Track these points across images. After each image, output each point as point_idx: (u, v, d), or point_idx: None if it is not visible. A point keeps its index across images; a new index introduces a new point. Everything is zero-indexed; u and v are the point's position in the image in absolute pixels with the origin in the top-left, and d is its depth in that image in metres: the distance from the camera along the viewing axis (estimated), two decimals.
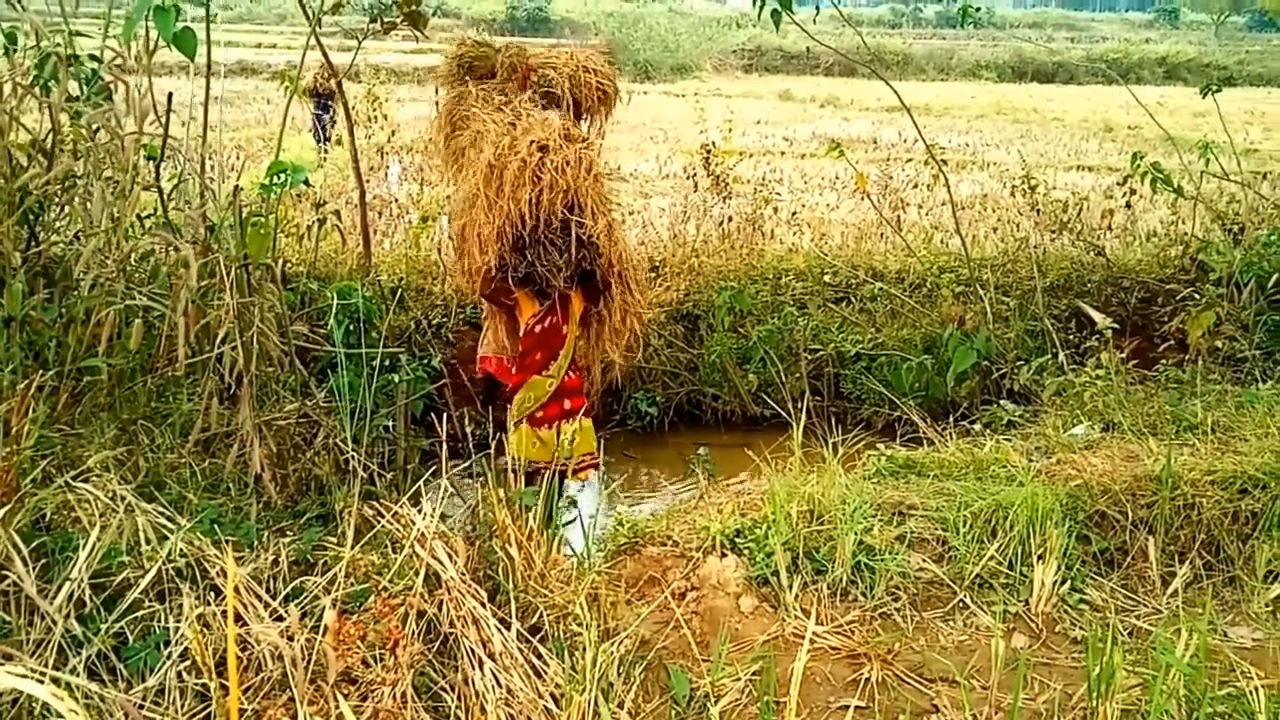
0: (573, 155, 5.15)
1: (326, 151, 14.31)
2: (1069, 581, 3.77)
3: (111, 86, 4.60)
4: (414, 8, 6.73)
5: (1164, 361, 6.51)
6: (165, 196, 4.89)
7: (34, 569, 2.70)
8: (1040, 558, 3.74)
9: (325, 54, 7.89)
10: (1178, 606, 3.73)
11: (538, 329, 5.52)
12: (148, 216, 5.09)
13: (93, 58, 4.67)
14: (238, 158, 12.55)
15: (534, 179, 5.11)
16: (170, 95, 4.83)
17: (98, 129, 4.41)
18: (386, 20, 6.96)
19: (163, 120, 4.69)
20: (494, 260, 5.29)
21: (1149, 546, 3.95)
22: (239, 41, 34.88)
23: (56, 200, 4.64)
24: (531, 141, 5.15)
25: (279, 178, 5.04)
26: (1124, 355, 6.25)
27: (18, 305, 3.94)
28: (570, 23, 48.51)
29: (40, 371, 3.65)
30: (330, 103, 14.49)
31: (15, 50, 4.51)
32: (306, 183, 5.14)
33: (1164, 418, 5.15)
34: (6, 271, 4.05)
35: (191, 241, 4.39)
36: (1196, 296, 7.05)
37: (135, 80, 4.46)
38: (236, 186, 4.68)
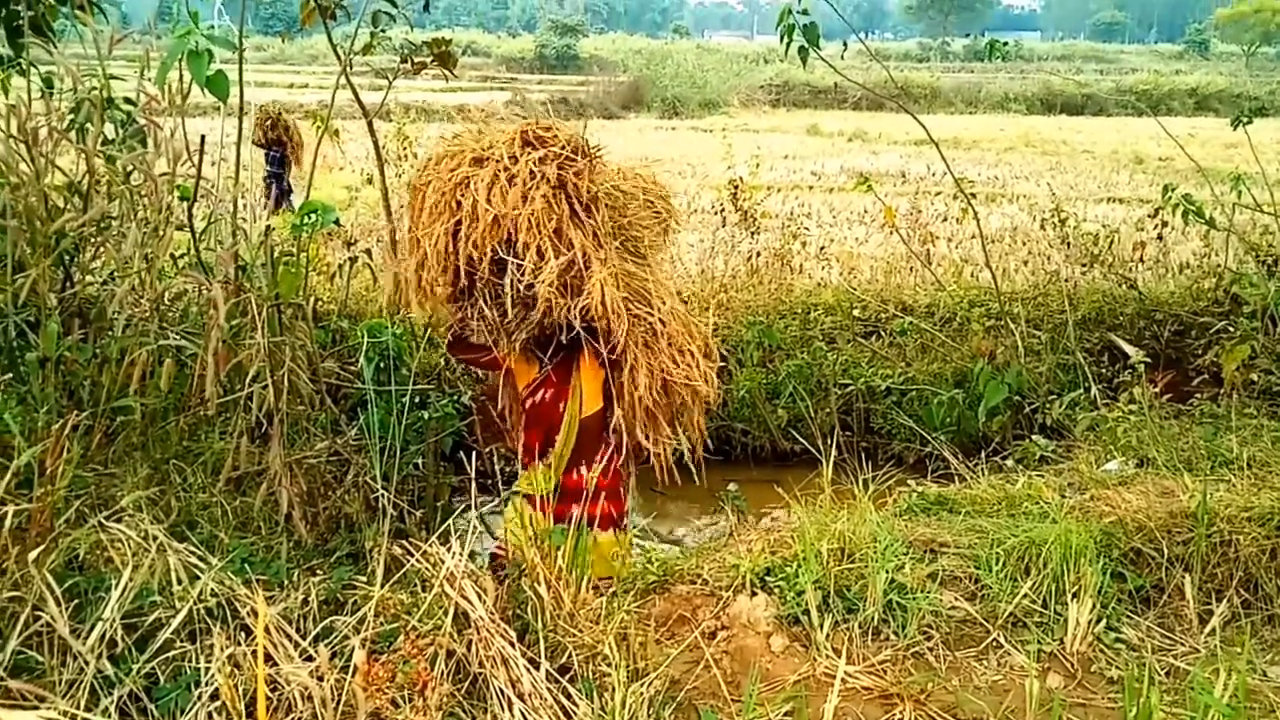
0: (520, 170, 3.99)
1: (289, 209, 11.70)
2: (1104, 620, 3.72)
3: (146, 129, 4.67)
4: (444, 48, 6.80)
5: (1198, 396, 6.45)
6: (198, 236, 4.95)
7: (67, 609, 2.72)
8: (1075, 596, 3.70)
9: (356, 93, 7.98)
10: (1216, 645, 3.67)
11: (528, 403, 4.50)
12: (181, 256, 5.15)
13: (127, 101, 4.74)
14: (270, 197, 12.67)
15: (452, 206, 4.03)
16: (203, 138, 4.89)
17: (132, 171, 4.47)
18: (417, 60, 7.03)
19: (195, 162, 4.75)
20: (432, 313, 4.39)
21: (1185, 584, 3.90)
22: (271, 82, 35.36)
23: (91, 241, 4.70)
24: (471, 156, 4.12)
25: (310, 217, 5.09)
26: (1157, 389, 6.19)
27: (53, 345, 3.98)
28: (599, 60, 48.90)
29: (75, 411, 3.69)
30: (284, 154, 11.78)
31: (52, 94, 4.59)
32: (337, 222, 5.18)
33: (1199, 453, 5.09)
34: (42, 312, 4.10)
35: (223, 281, 4.44)
36: (1231, 329, 6.99)
37: (169, 122, 4.53)
38: (268, 226, 4.73)
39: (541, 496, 4.22)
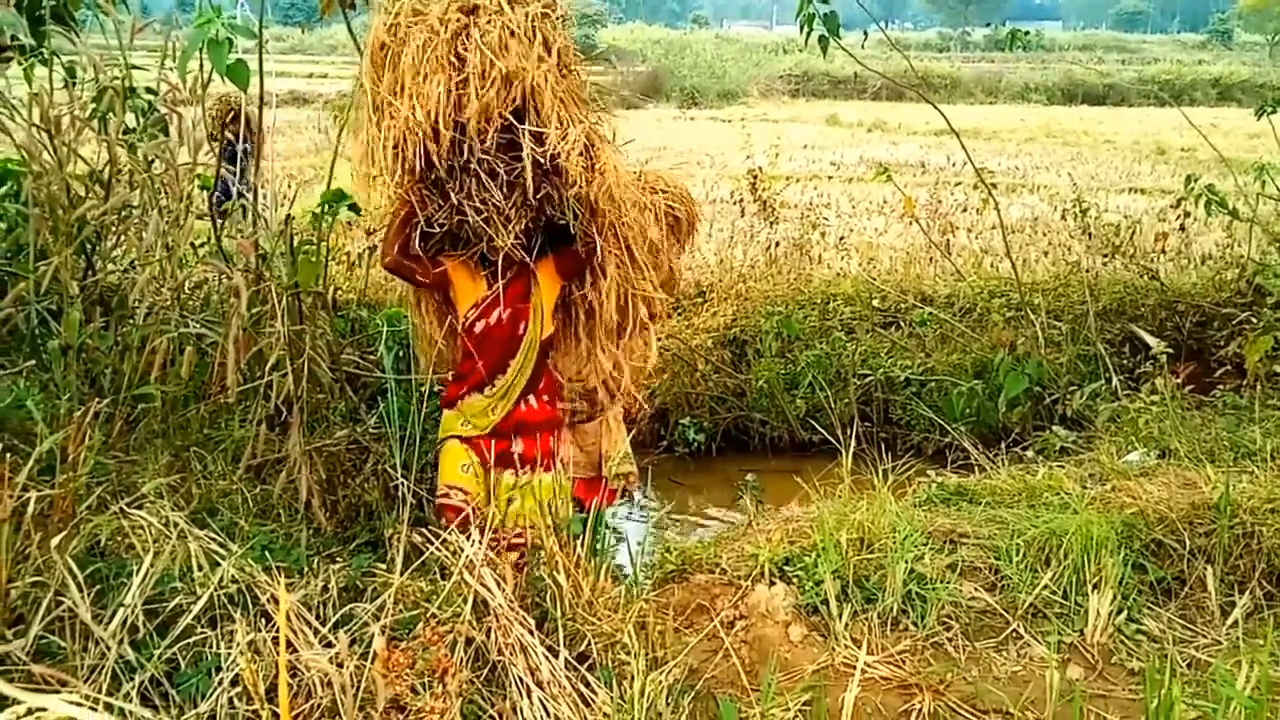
0: (521, 22, 3.34)
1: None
2: (1125, 611, 3.70)
3: (167, 118, 4.68)
4: None
5: (1221, 387, 6.41)
6: (219, 225, 4.96)
7: (89, 595, 2.73)
8: (1095, 587, 3.69)
9: None
10: (1238, 637, 3.65)
11: (479, 325, 3.91)
12: (202, 245, 5.16)
13: (149, 90, 4.75)
14: (290, 186, 12.69)
15: (452, 61, 3.31)
16: (223, 126, 4.90)
17: (153, 160, 4.49)
18: None
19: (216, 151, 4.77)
20: (397, 204, 3.66)
21: (1207, 576, 3.88)
22: (291, 72, 35.42)
23: (113, 230, 4.72)
24: (456, 5, 3.38)
25: (330, 206, 5.08)
26: (1179, 380, 6.16)
27: (75, 333, 4.00)
28: (617, 50, 48.76)
29: (96, 399, 3.71)
30: (245, 149, 9.14)
31: (74, 83, 4.60)
32: (356, 210, 5.16)
33: (1221, 444, 5.06)
34: (65, 300, 4.12)
35: (244, 270, 4.45)
36: (1254, 320, 6.93)
37: (190, 112, 4.54)
38: (288, 215, 4.74)
39: (480, 435, 4.01)
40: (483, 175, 3.46)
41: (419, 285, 4.05)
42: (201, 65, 4.28)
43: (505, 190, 3.51)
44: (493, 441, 4.06)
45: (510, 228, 3.58)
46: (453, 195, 3.54)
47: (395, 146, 3.38)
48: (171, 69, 4.42)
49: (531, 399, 4.04)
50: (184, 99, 4.47)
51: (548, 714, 2.82)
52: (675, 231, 4.46)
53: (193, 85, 4.40)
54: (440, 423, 4.25)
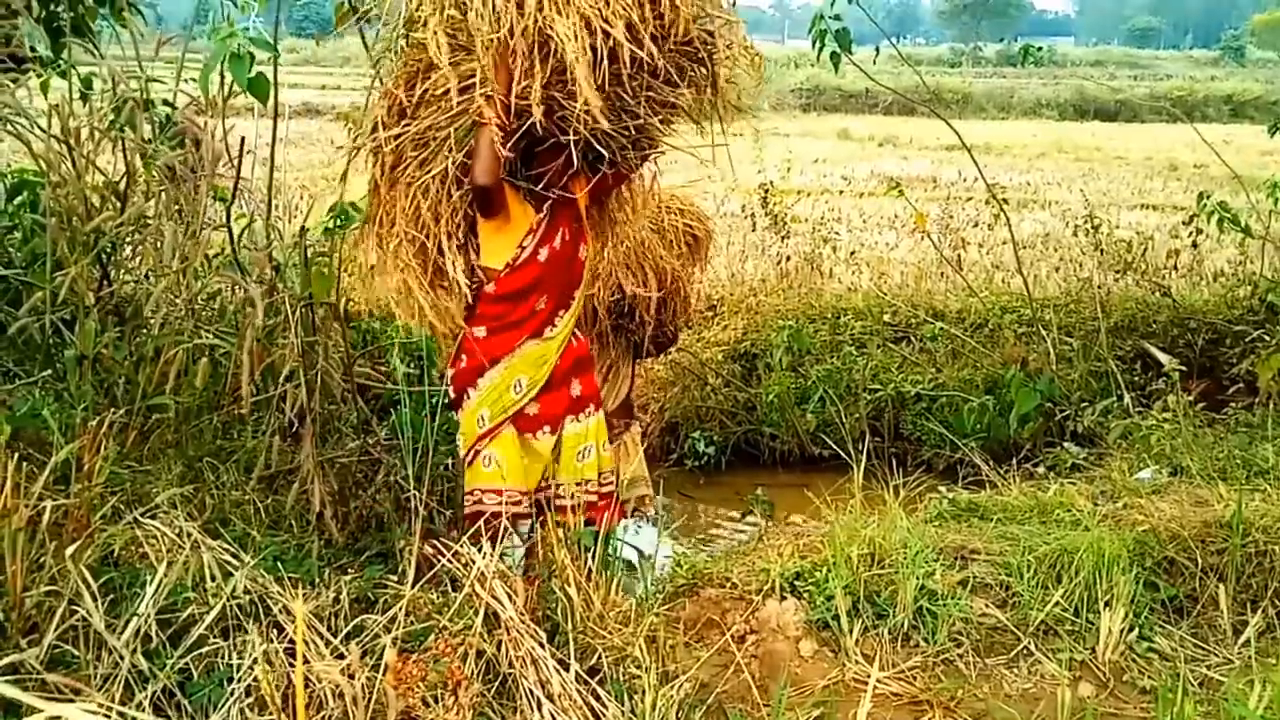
0: None
1: None
2: (1137, 629, 3.69)
3: (186, 130, 4.71)
4: None
5: (1233, 404, 6.38)
6: (234, 237, 4.98)
7: (103, 604, 2.75)
8: (1107, 604, 3.68)
9: None
10: (1250, 656, 3.63)
11: (543, 252, 3.47)
12: (216, 256, 5.19)
13: (166, 103, 4.78)
14: (303, 198, 12.71)
15: None
16: (242, 139, 4.92)
17: (176, 171, 4.51)
18: None
19: (234, 163, 4.79)
20: (495, 116, 3.21)
21: (1220, 594, 3.86)
22: (304, 83, 35.52)
23: (129, 240, 4.75)
24: None
25: (343, 218, 5.10)
26: (1191, 398, 6.13)
27: (90, 343, 4.03)
28: None
29: (111, 409, 3.72)
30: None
31: (92, 95, 4.64)
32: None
33: (1234, 462, 5.04)
34: (80, 310, 4.14)
35: (258, 281, 4.47)
36: (1266, 338, 6.91)
37: (208, 124, 4.56)
38: (303, 227, 4.76)
39: (536, 391, 3.63)
40: (672, 72, 3.24)
41: (494, 212, 3.48)
42: (221, 78, 4.31)
43: (678, 90, 3.31)
44: (555, 397, 3.67)
45: (659, 120, 3.41)
46: (641, 105, 3.27)
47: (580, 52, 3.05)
48: (189, 80, 4.45)
49: (578, 331, 3.74)
50: (204, 111, 4.50)
51: None
52: (694, 252, 4.51)
53: (213, 98, 4.43)
54: (467, 411, 3.74)
